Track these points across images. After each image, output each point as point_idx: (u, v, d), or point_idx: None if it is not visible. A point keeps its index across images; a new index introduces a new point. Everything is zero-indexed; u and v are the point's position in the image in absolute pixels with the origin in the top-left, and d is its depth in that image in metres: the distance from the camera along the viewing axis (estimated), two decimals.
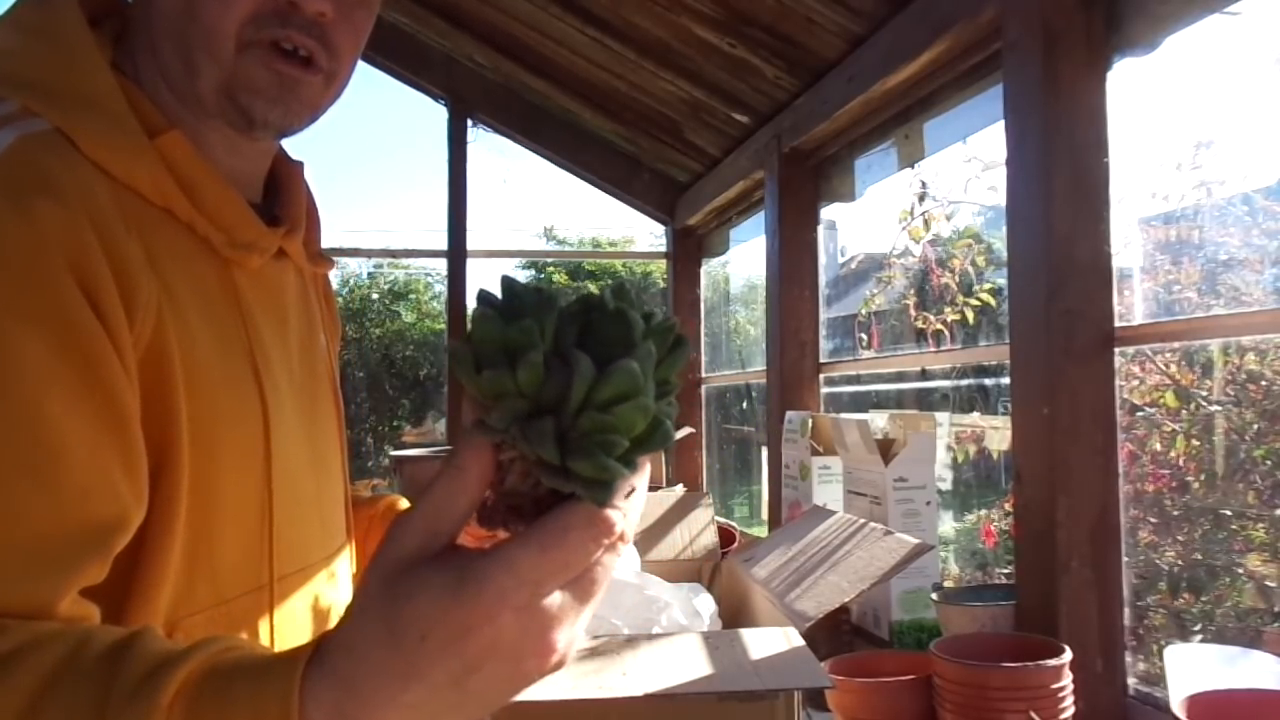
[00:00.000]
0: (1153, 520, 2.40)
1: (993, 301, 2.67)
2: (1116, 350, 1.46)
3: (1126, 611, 1.45)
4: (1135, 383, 2.34)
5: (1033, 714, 1.18)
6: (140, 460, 0.62)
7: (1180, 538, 2.38)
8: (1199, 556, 2.33)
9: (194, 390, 0.67)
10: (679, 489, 3.01)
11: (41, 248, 0.59)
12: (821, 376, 2.65)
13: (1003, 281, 2.09)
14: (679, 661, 1.01)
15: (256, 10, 0.71)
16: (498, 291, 0.45)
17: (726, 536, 2.29)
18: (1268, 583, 2.19)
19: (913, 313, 2.99)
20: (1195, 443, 2.34)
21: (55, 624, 0.53)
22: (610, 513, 0.44)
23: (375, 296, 11.64)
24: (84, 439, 0.58)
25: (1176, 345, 2.17)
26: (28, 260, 0.58)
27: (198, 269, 0.72)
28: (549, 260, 12.71)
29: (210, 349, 0.70)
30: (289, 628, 0.75)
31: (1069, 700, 1.24)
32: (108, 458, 0.59)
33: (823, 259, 2.68)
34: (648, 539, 1.74)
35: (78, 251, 0.60)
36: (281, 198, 0.86)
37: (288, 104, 0.74)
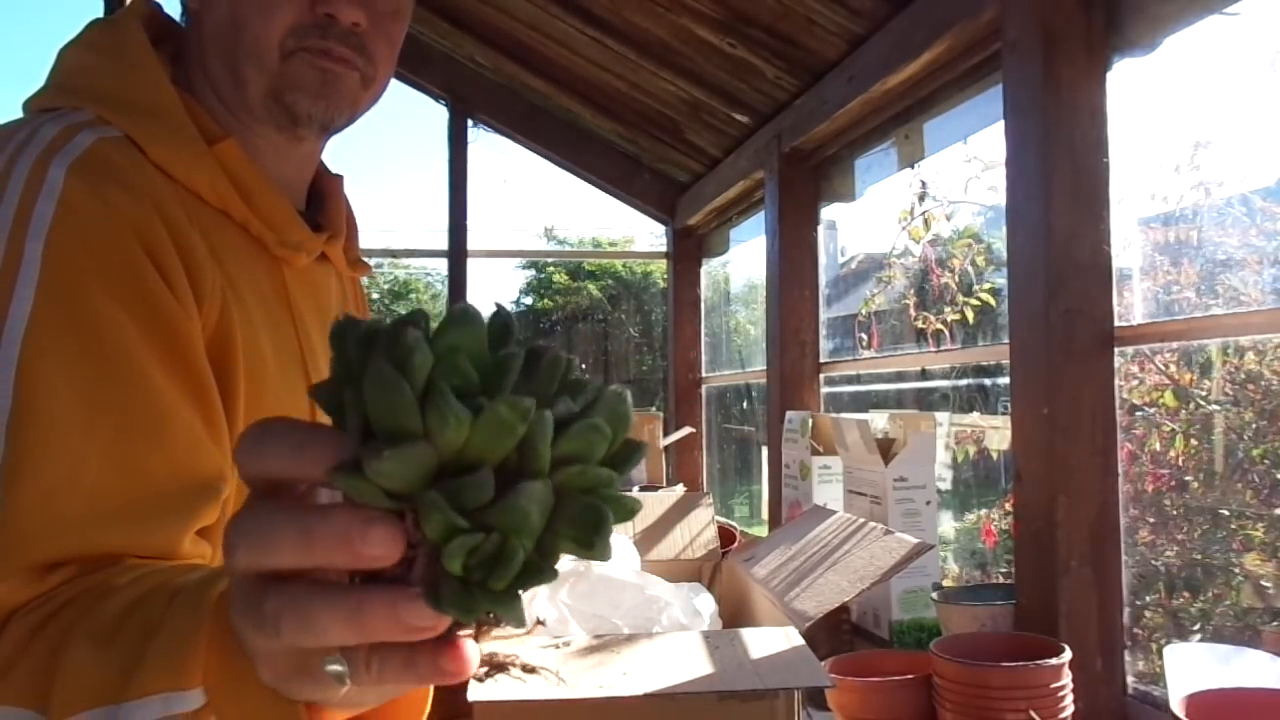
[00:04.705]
0: (1151, 520, 2.40)
1: (993, 301, 2.67)
2: (1116, 350, 1.46)
3: (1126, 611, 1.46)
4: (1135, 383, 2.35)
5: (1032, 713, 1.19)
6: (223, 426, 0.69)
7: (1180, 537, 2.38)
8: (1198, 556, 2.33)
9: (251, 378, 0.73)
10: (679, 489, 3.02)
11: (124, 233, 0.65)
12: (821, 376, 2.65)
13: (1003, 281, 2.09)
14: (679, 661, 1.01)
15: (297, 21, 0.78)
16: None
17: (726, 536, 2.29)
18: (1263, 583, 2.19)
19: (913, 313, 2.99)
20: (1194, 442, 2.34)
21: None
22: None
23: (375, 296, 11.66)
24: (181, 406, 0.65)
25: (1176, 345, 2.18)
26: (112, 242, 0.65)
27: (253, 266, 0.79)
28: (549, 260, 12.71)
29: (266, 341, 0.76)
30: None
31: (1068, 699, 1.24)
32: (199, 424, 0.66)
33: (823, 259, 2.68)
34: (648, 539, 1.74)
35: (151, 238, 0.67)
36: (323, 206, 0.94)
37: (329, 98, 0.80)
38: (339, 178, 0.97)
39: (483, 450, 0.35)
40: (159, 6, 0.86)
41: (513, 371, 0.36)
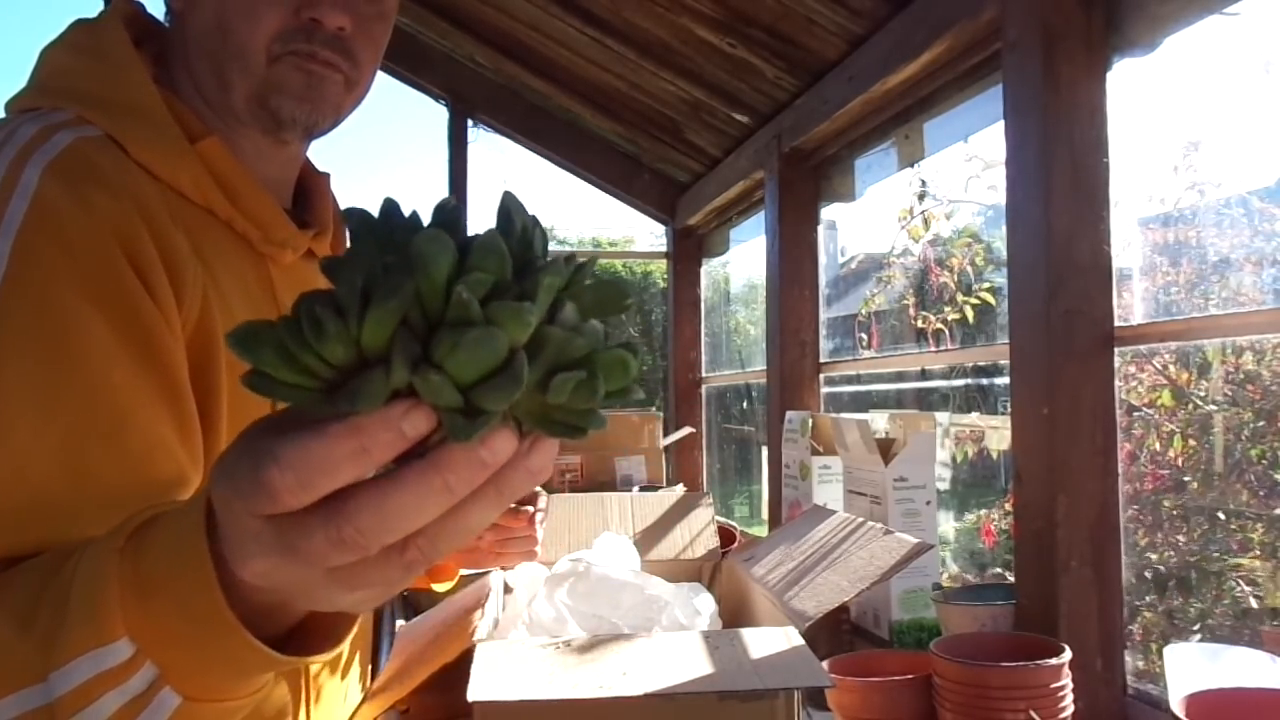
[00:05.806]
0: (1149, 520, 2.40)
1: (992, 301, 2.67)
2: (1116, 350, 1.46)
3: (1125, 611, 1.46)
4: (1134, 383, 2.35)
5: (1033, 713, 1.19)
6: (194, 428, 0.69)
7: (1180, 537, 2.38)
8: (1197, 556, 2.33)
9: (235, 374, 0.73)
10: (679, 489, 3.02)
11: (100, 232, 0.65)
12: (821, 376, 2.65)
13: (1002, 281, 2.09)
14: (679, 661, 1.01)
15: (282, 26, 0.78)
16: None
17: (726, 536, 2.28)
18: (1259, 586, 2.19)
19: (912, 312, 2.99)
20: (1192, 443, 2.34)
21: None
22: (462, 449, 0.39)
23: None
24: (145, 407, 0.65)
25: (1175, 345, 2.18)
26: (90, 244, 0.64)
27: (237, 263, 0.79)
28: None
29: None
30: None
31: (1068, 699, 1.24)
32: (166, 425, 0.66)
33: (823, 259, 2.68)
34: (648, 539, 1.74)
35: (130, 237, 0.66)
36: (309, 203, 0.94)
37: (314, 102, 0.81)
38: (325, 175, 0.97)
39: (541, 318, 0.41)
40: (141, 7, 0.86)
41: (508, 268, 0.41)
